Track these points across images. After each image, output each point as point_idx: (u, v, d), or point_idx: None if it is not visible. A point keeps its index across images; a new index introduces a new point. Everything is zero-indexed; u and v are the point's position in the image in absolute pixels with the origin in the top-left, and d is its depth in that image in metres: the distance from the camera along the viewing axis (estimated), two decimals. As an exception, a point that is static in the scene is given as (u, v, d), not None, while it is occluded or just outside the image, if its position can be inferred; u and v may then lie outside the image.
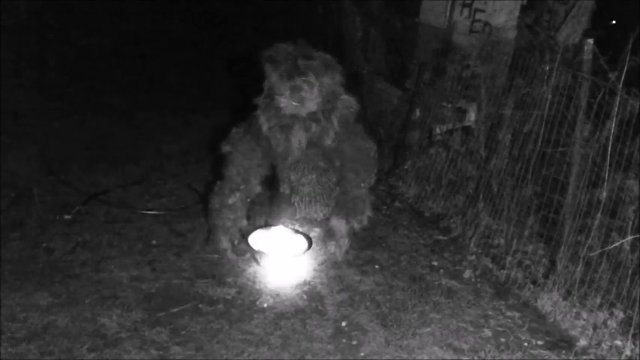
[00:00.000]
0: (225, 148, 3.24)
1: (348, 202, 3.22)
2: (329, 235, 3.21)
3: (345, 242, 3.21)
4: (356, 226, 3.23)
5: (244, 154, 3.19)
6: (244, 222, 3.22)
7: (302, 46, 3.11)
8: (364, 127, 3.43)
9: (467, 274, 3.35)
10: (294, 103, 3.01)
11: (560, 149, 3.21)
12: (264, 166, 3.26)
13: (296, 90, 2.99)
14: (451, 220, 3.85)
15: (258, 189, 3.27)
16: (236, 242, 3.21)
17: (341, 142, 3.21)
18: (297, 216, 3.42)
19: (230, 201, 3.14)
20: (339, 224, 3.18)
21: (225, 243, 3.17)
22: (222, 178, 3.23)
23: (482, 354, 2.72)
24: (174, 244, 3.39)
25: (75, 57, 6.90)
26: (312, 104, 3.03)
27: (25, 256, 3.13)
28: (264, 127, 3.10)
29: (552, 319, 2.99)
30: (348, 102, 3.18)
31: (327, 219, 3.30)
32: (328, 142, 3.15)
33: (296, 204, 3.41)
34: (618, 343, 2.78)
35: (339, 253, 3.21)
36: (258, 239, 3.23)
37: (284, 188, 3.39)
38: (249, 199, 3.24)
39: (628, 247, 2.90)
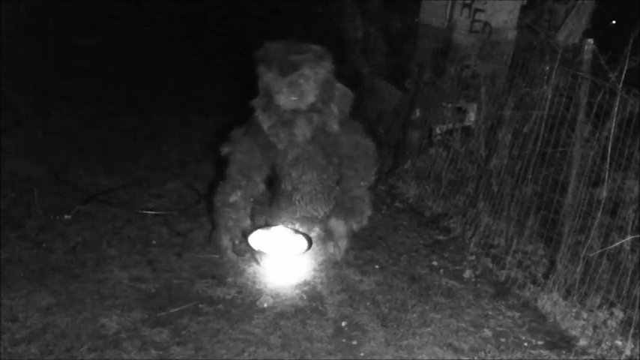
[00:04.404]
0: (225, 149, 3.26)
1: (347, 202, 3.21)
2: (328, 235, 3.21)
3: (343, 243, 3.20)
4: (355, 226, 3.22)
5: (245, 153, 3.21)
6: (247, 222, 3.22)
7: (291, 42, 3.12)
8: (364, 126, 3.43)
9: (467, 274, 3.35)
10: (293, 98, 3.02)
11: (560, 149, 3.21)
12: (264, 166, 3.28)
13: (293, 85, 2.99)
14: (451, 220, 3.85)
15: (262, 187, 3.27)
16: (237, 242, 3.21)
17: (337, 136, 3.22)
18: (298, 215, 3.42)
19: (231, 199, 3.14)
20: (337, 225, 3.17)
21: (225, 242, 3.16)
22: (224, 178, 3.23)
23: (482, 354, 2.72)
24: (174, 244, 3.39)
25: (75, 57, 6.90)
26: (310, 96, 3.04)
27: (25, 256, 3.13)
28: (266, 126, 3.11)
29: (552, 319, 2.99)
30: (344, 90, 3.20)
31: (327, 218, 3.30)
32: (334, 129, 3.16)
33: (297, 202, 3.41)
34: (618, 343, 2.78)
35: (337, 254, 3.21)
36: (258, 239, 3.23)
37: (285, 185, 3.39)
38: (252, 199, 3.24)
39: (628, 247, 2.90)
